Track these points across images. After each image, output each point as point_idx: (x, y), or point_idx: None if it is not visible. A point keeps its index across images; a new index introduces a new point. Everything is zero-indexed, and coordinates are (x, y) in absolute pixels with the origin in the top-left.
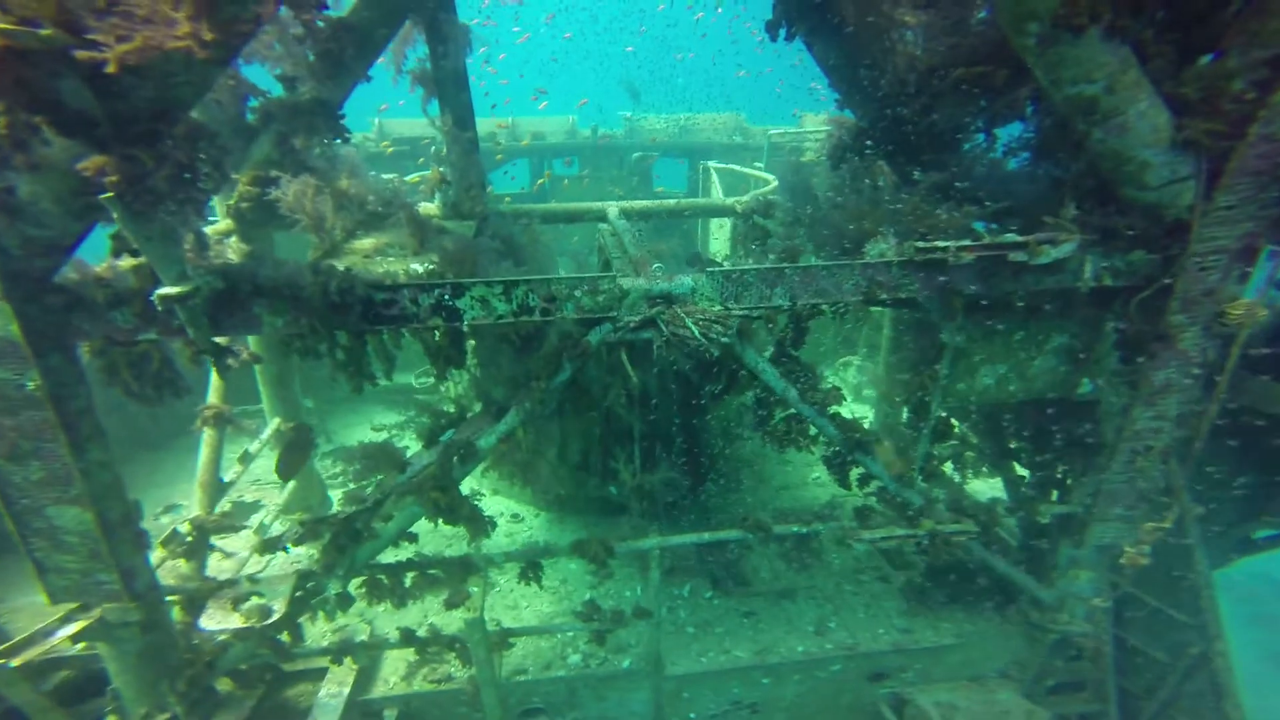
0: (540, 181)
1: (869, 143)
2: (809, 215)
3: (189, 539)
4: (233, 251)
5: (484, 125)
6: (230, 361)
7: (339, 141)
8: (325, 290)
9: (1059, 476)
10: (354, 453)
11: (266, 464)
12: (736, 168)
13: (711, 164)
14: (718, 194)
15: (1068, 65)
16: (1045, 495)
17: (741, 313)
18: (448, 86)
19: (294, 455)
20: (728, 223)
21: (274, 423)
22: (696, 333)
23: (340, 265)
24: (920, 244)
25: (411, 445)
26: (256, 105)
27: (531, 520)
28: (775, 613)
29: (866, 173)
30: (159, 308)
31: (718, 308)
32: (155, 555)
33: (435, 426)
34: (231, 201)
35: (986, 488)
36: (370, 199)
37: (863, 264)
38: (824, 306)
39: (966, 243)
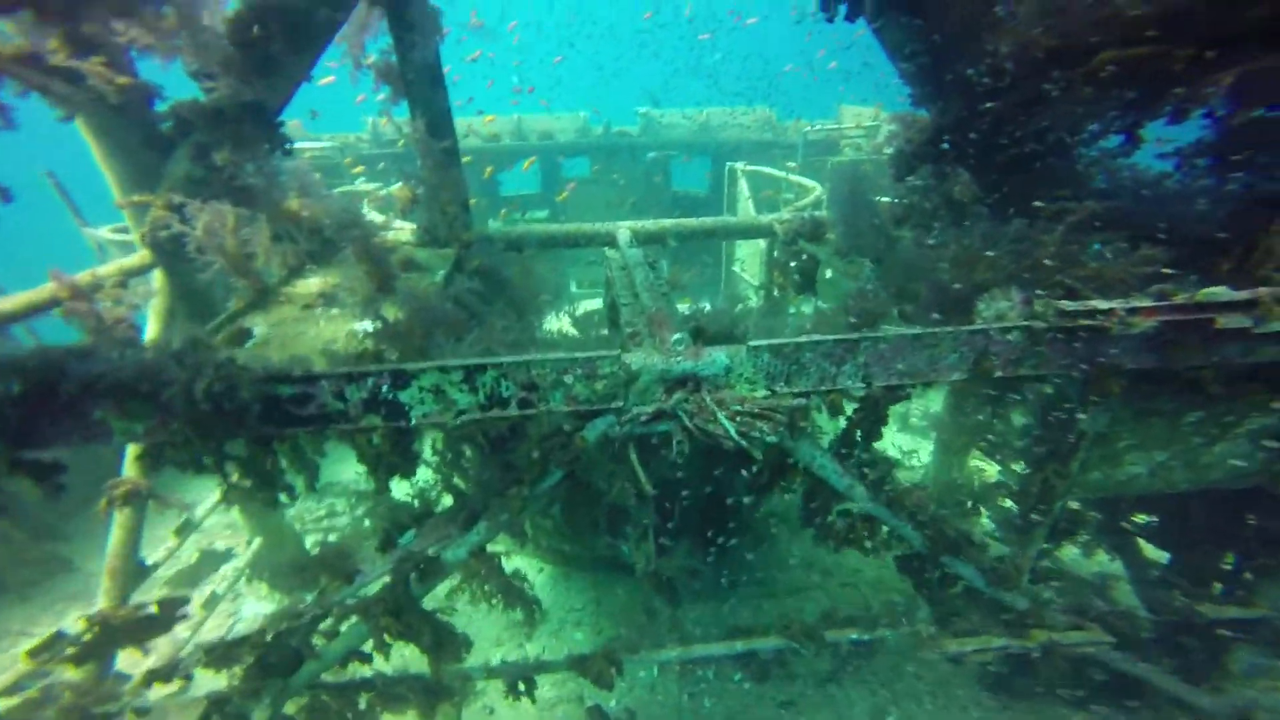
0: (562, 196)
1: (946, 147)
2: (869, 242)
3: (86, 638)
4: (157, 290)
5: (477, 124)
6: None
7: (280, 153)
8: (190, 396)
9: (1224, 568)
10: (301, 564)
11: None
12: (768, 170)
13: (740, 165)
14: (747, 204)
15: None
16: (1202, 587)
17: (794, 401)
18: (418, 84)
19: None
20: (760, 243)
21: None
22: (732, 431)
23: (227, 348)
24: (1068, 305)
25: None
26: (168, 110)
27: (533, 576)
28: (819, 700)
29: (942, 185)
30: None
31: (761, 393)
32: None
33: (392, 525)
34: (145, 230)
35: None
36: (326, 223)
37: (975, 331)
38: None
39: (1144, 303)
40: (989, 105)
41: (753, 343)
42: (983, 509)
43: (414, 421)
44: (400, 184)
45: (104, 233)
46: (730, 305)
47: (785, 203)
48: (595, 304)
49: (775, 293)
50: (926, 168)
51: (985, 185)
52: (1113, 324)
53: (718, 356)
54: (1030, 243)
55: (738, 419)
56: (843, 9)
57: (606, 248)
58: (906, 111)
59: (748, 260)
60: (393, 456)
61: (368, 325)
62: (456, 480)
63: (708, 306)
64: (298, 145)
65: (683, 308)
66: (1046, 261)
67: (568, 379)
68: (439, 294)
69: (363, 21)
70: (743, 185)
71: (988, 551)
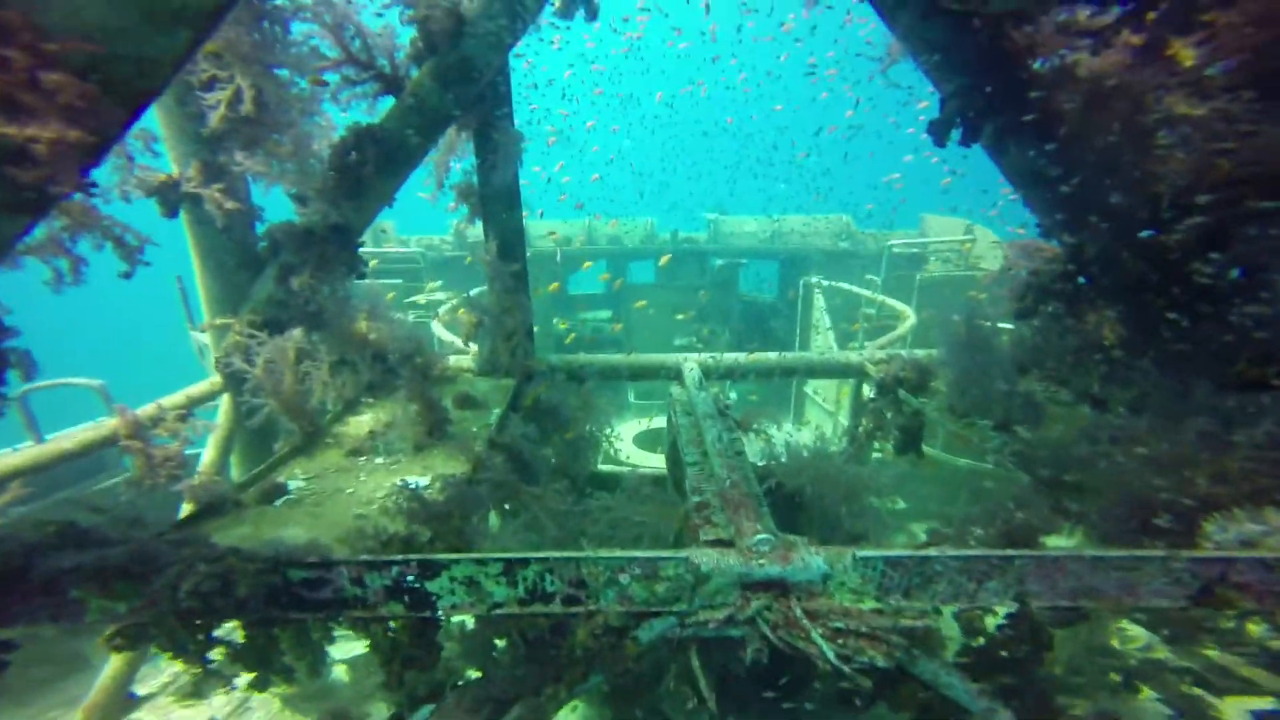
0: (617, 282)
1: (1084, 282)
2: (995, 404)
3: None
4: (220, 417)
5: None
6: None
7: (355, 275)
8: (175, 597)
9: None
10: None
11: None
12: (851, 288)
13: (817, 281)
14: (825, 330)
15: None
16: None
17: (915, 623)
18: (495, 204)
19: None
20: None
21: None
22: (829, 654)
23: (255, 505)
24: None
25: None
26: (264, 232)
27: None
28: None
29: (1079, 325)
30: None
31: (869, 603)
32: None
33: (406, 698)
34: (218, 355)
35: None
36: (391, 348)
37: (1206, 559)
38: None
39: None
40: (1148, 235)
41: (862, 553)
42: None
43: (441, 613)
44: (464, 308)
45: (204, 336)
46: (807, 448)
47: (865, 318)
48: (657, 422)
49: (862, 438)
50: (1057, 305)
51: (1136, 328)
52: None
53: (814, 562)
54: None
55: (839, 641)
56: (956, 134)
57: (672, 384)
58: (1030, 239)
59: (823, 384)
60: (413, 649)
61: (418, 480)
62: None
63: (780, 444)
64: (385, 250)
65: (752, 450)
66: None
67: (623, 579)
68: (486, 451)
69: (451, 144)
70: (819, 302)
71: None
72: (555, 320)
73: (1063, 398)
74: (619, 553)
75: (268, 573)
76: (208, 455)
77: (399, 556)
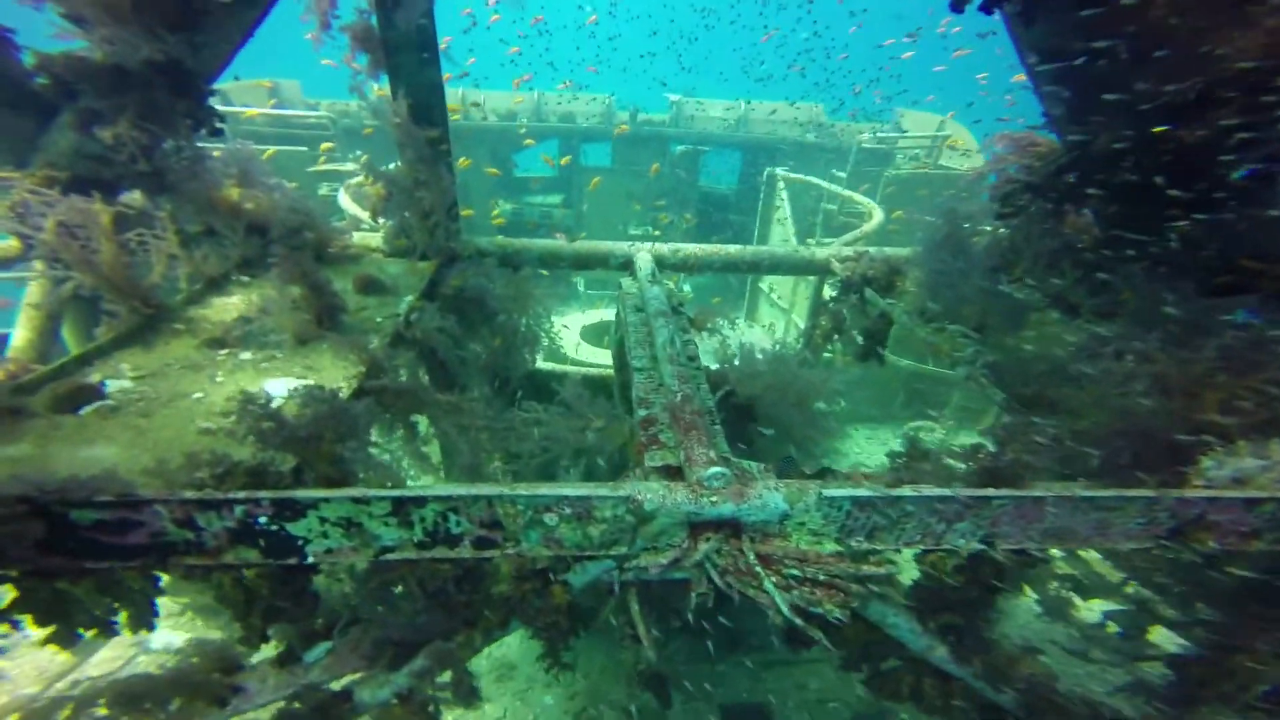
0: (564, 159)
1: (1073, 180)
2: (969, 308)
3: None
4: (31, 286)
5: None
6: None
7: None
8: None
9: None
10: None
11: None
12: (816, 180)
13: (780, 172)
14: (787, 220)
15: None
16: None
17: (878, 569)
18: (403, 53)
19: None
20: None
21: None
22: (782, 604)
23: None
24: None
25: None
26: (35, 64)
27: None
28: None
29: (1056, 229)
30: None
31: (829, 547)
32: None
33: (299, 633)
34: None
35: None
36: (275, 221)
37: (1190, 499)
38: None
39: None
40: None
41: (829, 491)
42: None
43: (312, 558)
44: (368, 177)
45: None
46: (763, 352)
47: (826, 214)
48: (607, 314)
49: (818, 340)
50: (1042, 204)
51: (1115, 231)
52: None
53: (772, 500)
54: None
55: (793, 588)
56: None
57: (622, 275)
58: (1022, 131)
59: (778, 280)
60: (278, 601)
61: (280, 386)
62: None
63: (734, 346)
64: (288, 113)
65: (705, 349)
66: None
67: (550, 519)
68: (388, 348)
69: None
70: (783, 196)
71: None
72: (499, 203)
73: (1037, 302)
74: (544, 489)
75: (24, 517)
76: (18, 336)
77: (241, 494)
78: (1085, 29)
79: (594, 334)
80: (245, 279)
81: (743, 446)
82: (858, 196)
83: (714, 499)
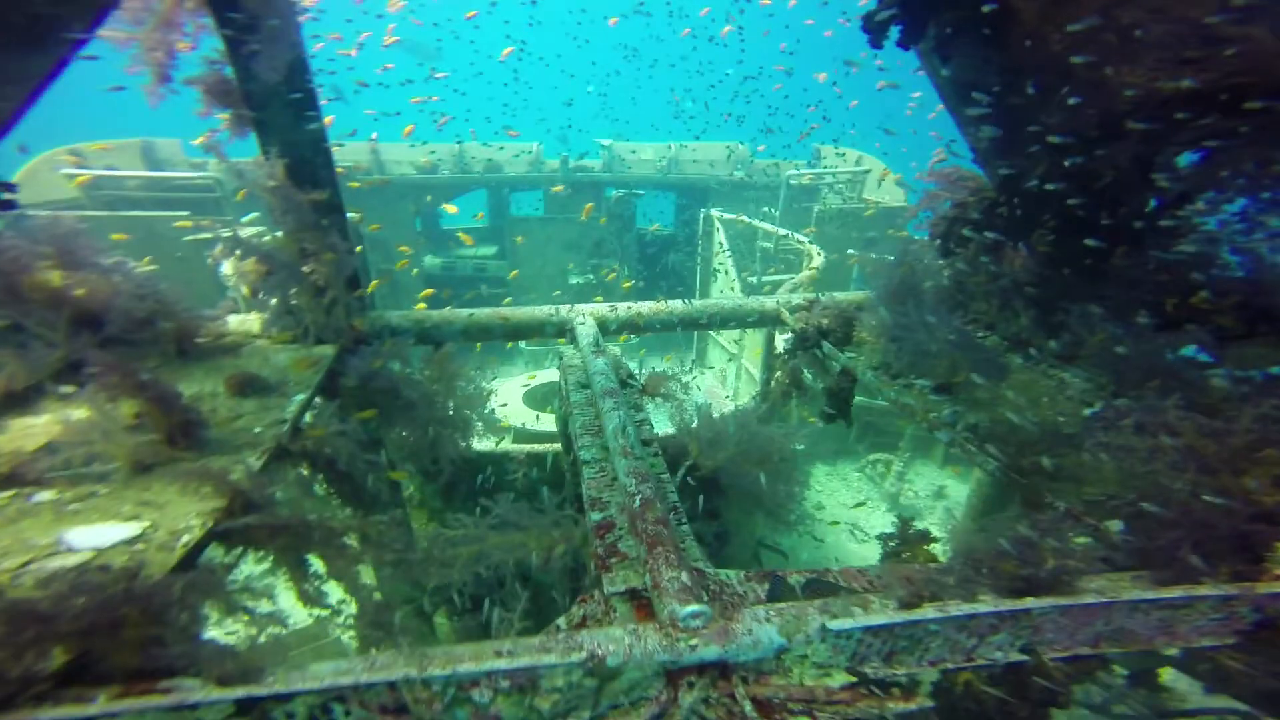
0: (478, 215)
1: (1003, 214)
2: (938, 363)
3: None
4: None
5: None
6: None
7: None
8: None
9: None
10: None
11: None
12: (753, 222)
13: (717, 213)
14: (727, 261)
15: None
16: None
17: (911, 701)
18: (272, 108)
19: None
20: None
21: None
22: None
23: None
24: None
25: None
26: None
27: None
28: None
29: (999, 267)
30: None
31: (840, 678)
32: None
33: None
34: None
35: None
36: (117, 308)
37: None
38: None
39: None
40: (1075, 161)
41: (834, 624)
42: None
43: None
44: (235, 251)
45: None
46: (726, 418)
47: (764, 251)
48: (552, 373)
49: (776, 396)
50: (978, 239)
51: (1044, 258)
52: None
53: (764, 634)
54: None
55: None
56: (895, 32)
57: (562, 342)
58: (950, 166)
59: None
60: None
61: (100, 535)
62: None
63: (691, 409)
64: (166, 175)
65: (657, 420)
66: None
67: (480, 696)
68: (262, 470)
69: (168, 13)
70: (721, 237)
71: None
72: (427, 259)
73: (998, 346)
74: (467, 661)
75: None
76: None
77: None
78: (996, 65)
79: (539, 398)
80: (68, 389)
81: (711, 521)
82: (796, 236)
83: (693, 643)
